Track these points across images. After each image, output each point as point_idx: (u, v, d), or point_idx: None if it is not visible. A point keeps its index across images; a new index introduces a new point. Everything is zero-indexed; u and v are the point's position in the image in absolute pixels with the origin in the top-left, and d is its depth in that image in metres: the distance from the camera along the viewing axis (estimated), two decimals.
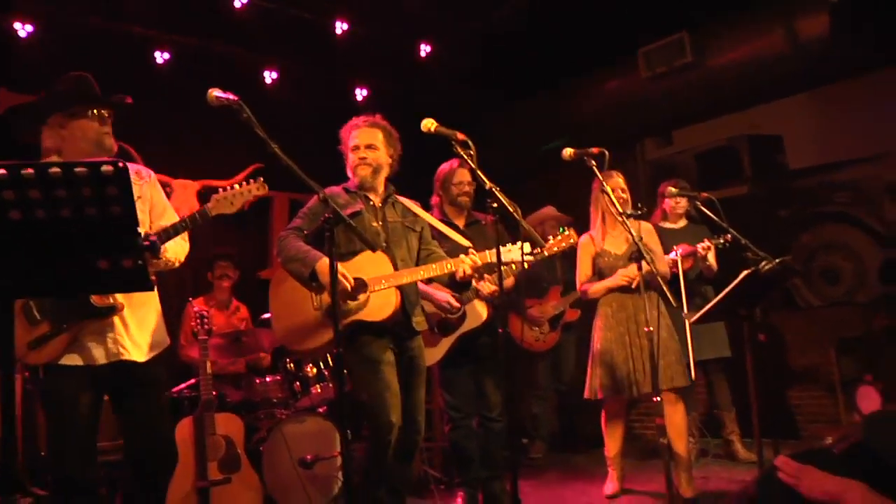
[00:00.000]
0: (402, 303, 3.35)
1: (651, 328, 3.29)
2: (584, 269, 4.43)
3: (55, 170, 1.61)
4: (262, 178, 3.04)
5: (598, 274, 4.38)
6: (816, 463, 1.73)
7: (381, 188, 3.59)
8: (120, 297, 2.80)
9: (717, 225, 4.25)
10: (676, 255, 4.61)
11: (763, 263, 3.22)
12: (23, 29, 5.21)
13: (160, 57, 5.81)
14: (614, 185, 4.18)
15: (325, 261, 3.15)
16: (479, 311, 4.18)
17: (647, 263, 3.17)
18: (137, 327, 2.90)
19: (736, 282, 3.18)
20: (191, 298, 4.65)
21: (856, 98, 5.86)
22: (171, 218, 3.03)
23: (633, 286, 4.08)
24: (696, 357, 4.58)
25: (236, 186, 3.00)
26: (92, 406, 2.83)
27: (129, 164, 2.99)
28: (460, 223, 4.29)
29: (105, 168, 1.62)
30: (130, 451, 2.96)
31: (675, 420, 4.07)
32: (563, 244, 3.79)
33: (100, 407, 2.88)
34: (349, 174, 3.61)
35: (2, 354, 1.70)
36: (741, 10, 5.65)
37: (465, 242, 3.69)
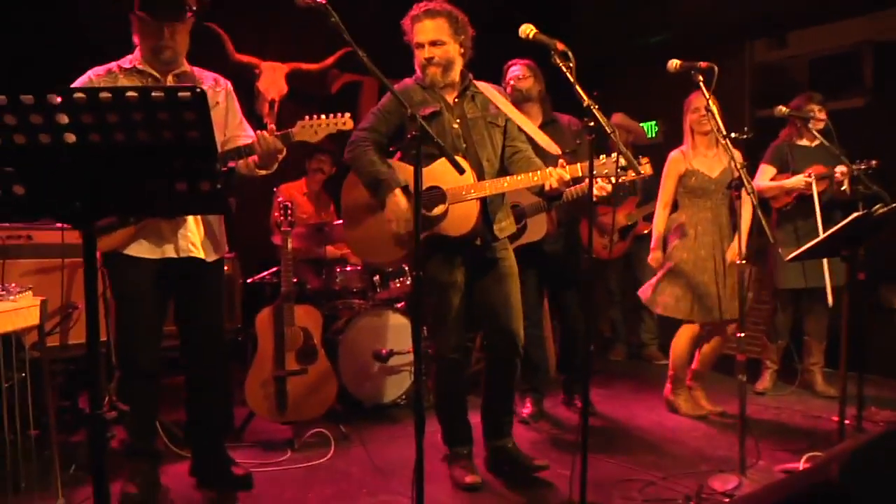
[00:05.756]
0: (483, 212, 3.19)
1: (744, 261, 3.13)
2: (668, 186, 4.26)
3: (132, 94, 1.57)
4: (349, 115, 3.02)
5: (685, 192, 4.23)
6: None
7: (456, 81, 3.27)
8: None
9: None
10: (810, 177, 4.34)
11: (877, 207, 2.96)
12: None
13: None
14: (700, 105, 3.90)
15: (397, 197, 3.12)
16: (541, 225, 4.11)
17: (749, 193, 2.97)
18: (207, 229, 3.00)
19: (842, 224, 2.94)
20: (275, 188, 4.65)
21: None
22: (245, 130, 3.05)
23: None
24: (810, 284, 4.43)
25: (323, 117, 2.99)
26: (158, 295, 2.93)
27: (206, 73, 3.02)
28: (536, 123, 3.96)
29: (182, 94, 1.56)
30: (185, 345, 3.08)
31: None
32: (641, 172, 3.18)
33: (167, 296, 2.99)
34: (417, 71, 3.28)
35: (88, 277, 1.72)
36: None
37: (554, 149, 3.45)
